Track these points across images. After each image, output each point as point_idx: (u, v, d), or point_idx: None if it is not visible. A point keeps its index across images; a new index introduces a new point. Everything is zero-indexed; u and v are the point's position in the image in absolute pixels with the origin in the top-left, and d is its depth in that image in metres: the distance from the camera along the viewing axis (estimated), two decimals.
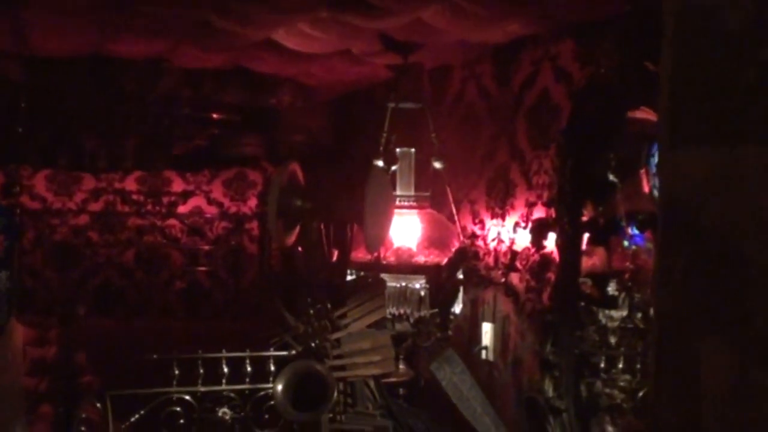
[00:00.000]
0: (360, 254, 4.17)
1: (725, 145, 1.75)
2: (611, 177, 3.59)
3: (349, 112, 6.61)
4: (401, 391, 4.35)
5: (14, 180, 6.38)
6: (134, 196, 6.73)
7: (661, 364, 1.90)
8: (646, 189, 3.31)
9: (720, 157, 1.76)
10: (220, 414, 4.06)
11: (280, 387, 3.17)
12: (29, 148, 6.51)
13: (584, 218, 3.73)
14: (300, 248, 3.97)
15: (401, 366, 4.36)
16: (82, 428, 3.86)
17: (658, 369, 1.92)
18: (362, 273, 4.11)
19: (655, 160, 3.17)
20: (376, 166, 4.11)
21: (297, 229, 3.76)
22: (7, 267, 5.15)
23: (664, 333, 1.91)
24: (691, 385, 1.80)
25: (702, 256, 1.80)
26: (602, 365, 3.60)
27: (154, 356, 4.00)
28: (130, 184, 6.74)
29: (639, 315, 3.53)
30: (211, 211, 6.77)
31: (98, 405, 3.80)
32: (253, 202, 6.80)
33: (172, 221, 6.74)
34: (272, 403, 3.93)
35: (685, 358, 1.82)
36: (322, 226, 3.86)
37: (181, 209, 6.76)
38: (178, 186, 6.77)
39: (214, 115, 6.87)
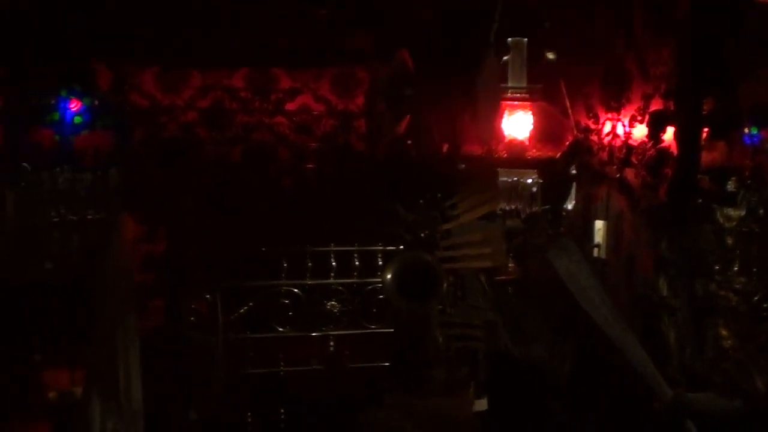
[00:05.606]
0: (471, 148, 4.10)
1: None
2: (734, 67, 3.44)
3: (460, 2, 6.45)
4: (510, 289, 4.31)
5: (122, 78, 6.42)
6: (242, 93, 6.72)
7: None
8: None
9: None
10: (328, 307, 4.09)
11: (389, 275, 3.14)
12: (136, 46, 6.53)
13: (704, 111, 3.60)
14: (409, 140, 3.92)
15: (510, 264, 4.30)
16: (192, 320, 3.92)
17: None
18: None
19: None
20: (488, 57, 3.99)
21: (407, 120, 3.70)
22: (118, 164, 5.23)
23: None
24: None
25: None
26: (717, 266, 3.51)
27: (263, 249, 4.04)
28: (238, 81, 6.72)
29: (761, 212, 3.41)
30: (319, 108, 6.73)
31: (207, 297, 3.84)
32: (360, 100, 6.72)
33: (279, 118, 6.73)
34: (380, 297, 3.93)
35: None
36: (432, 118, 3.80)
37: (289, 106, 6.73)
38: (285, 83, 6.73)
39: (320, 11, 6.78)
